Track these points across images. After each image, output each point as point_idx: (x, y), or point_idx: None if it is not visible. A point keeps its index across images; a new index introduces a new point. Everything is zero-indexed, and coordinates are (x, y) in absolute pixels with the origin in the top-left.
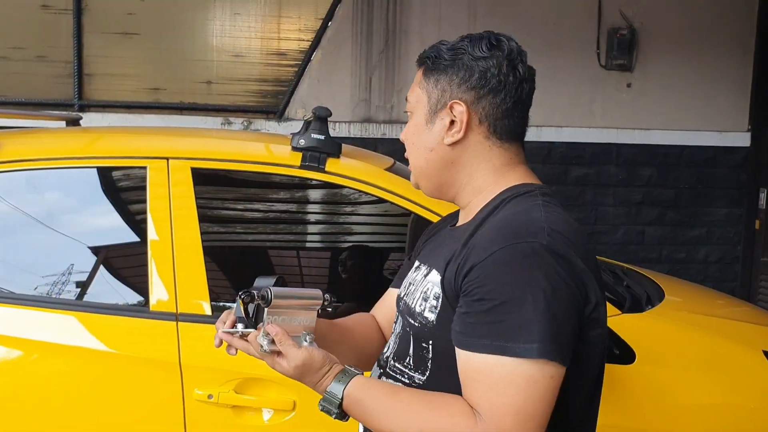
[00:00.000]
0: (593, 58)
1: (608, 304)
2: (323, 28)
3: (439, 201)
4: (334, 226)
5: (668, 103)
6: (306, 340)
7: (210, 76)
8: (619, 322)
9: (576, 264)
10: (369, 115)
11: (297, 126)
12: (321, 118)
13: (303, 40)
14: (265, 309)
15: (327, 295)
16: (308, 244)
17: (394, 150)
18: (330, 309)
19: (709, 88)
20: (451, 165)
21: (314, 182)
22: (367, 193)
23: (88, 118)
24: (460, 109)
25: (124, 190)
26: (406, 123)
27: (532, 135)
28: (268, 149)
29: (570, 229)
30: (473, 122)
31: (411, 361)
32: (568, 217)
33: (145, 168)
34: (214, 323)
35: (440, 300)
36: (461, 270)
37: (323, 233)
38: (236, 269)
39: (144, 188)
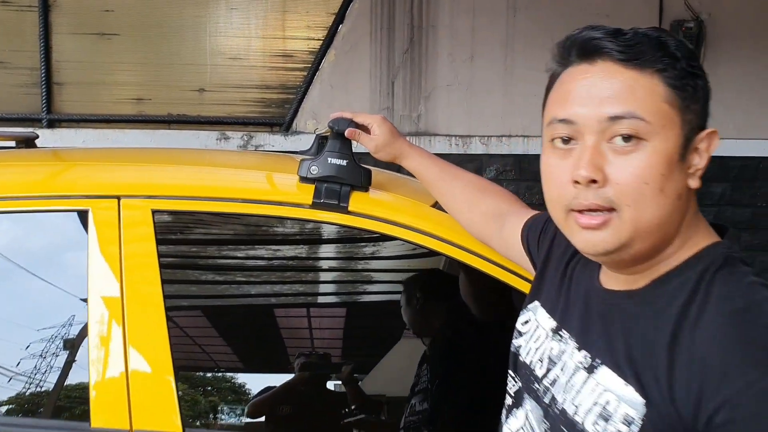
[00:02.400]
0: None
1: None
2: (336, 24)
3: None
4: (359, 287)
5: (742, 107)
6: None
7: (203, 83)
8: None
9: None
10: None
11: (307, 141)
12: (342, 135)
13: (312, 39)
14: None
15: None
16: (325, 315)
17: None
18: None
19: None
20: (686, 215)
21: (333, 227)
22: (409, 243)
23: (59, 135)
24: (707, 139)
25: (51, 246)
26: (435, 135)
27: None
28: (265, 180)
29: None
30: None
31: None
32: None
33: (86, 211)
34: None
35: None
36: (698, 403)
37: (345, 298)
38: (217, 354)
39: (84, 241)
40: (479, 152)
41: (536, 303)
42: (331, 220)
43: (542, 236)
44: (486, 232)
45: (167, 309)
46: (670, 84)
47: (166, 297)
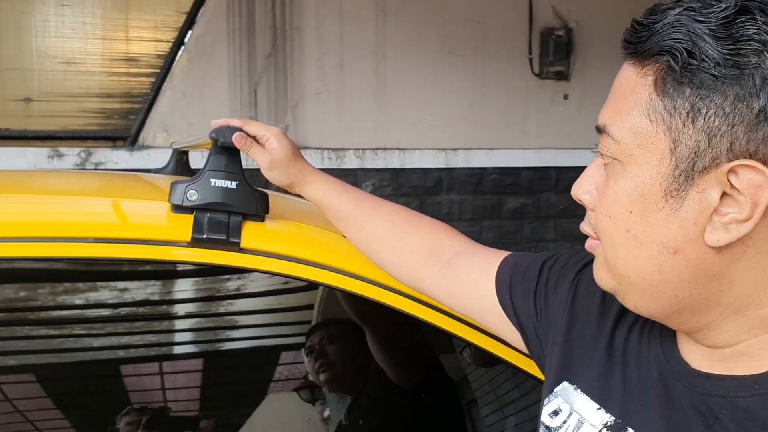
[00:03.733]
0: (526, 65)
1: None
2: (188, 24)
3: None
4: (255, 350)
5: None
6: None
7: (29, 92)
8: None
9: None
10: None
11: (157, 156)
12: (228, 149)
13: (161, 41)
14: None
15: None
16: (206, 393)
17: None
18: None
19: None
20: (711, 279)
21: (219, 270)
22: (323, 286)
23: None
24: (754, 179)
25: None
26: (306, 149)
27: (459, 160)
28: (122, 211)
29: None
30: None
31: None
32: None
33: None
34: None
35: None
36: None
37: (232, 364)
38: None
39: None
40: (354, 167)
41: (567, 385)
42: (218, 261)
43: (543, 289)
44: (419, 273)
45: None
46: (661, 87)
47: None
